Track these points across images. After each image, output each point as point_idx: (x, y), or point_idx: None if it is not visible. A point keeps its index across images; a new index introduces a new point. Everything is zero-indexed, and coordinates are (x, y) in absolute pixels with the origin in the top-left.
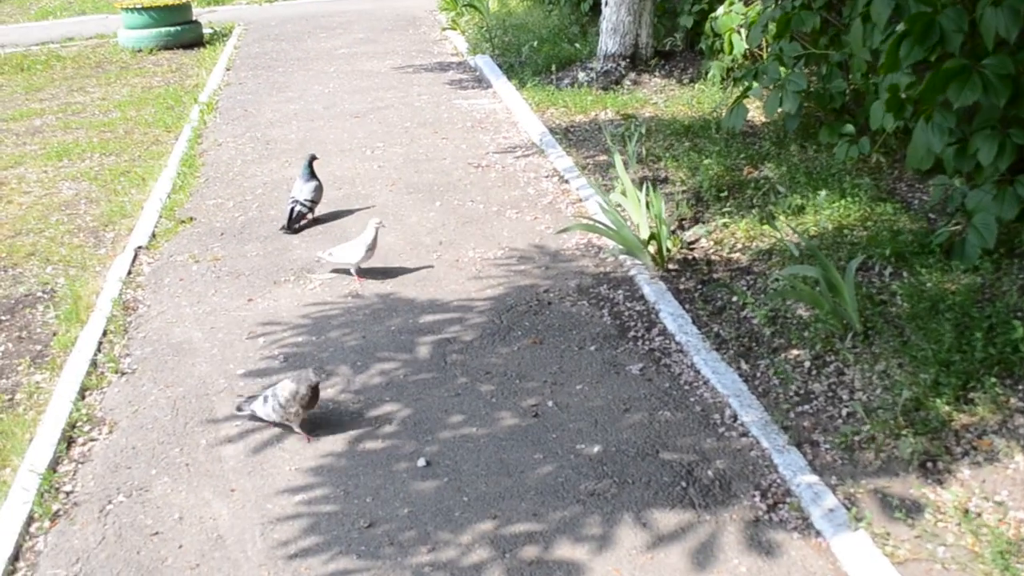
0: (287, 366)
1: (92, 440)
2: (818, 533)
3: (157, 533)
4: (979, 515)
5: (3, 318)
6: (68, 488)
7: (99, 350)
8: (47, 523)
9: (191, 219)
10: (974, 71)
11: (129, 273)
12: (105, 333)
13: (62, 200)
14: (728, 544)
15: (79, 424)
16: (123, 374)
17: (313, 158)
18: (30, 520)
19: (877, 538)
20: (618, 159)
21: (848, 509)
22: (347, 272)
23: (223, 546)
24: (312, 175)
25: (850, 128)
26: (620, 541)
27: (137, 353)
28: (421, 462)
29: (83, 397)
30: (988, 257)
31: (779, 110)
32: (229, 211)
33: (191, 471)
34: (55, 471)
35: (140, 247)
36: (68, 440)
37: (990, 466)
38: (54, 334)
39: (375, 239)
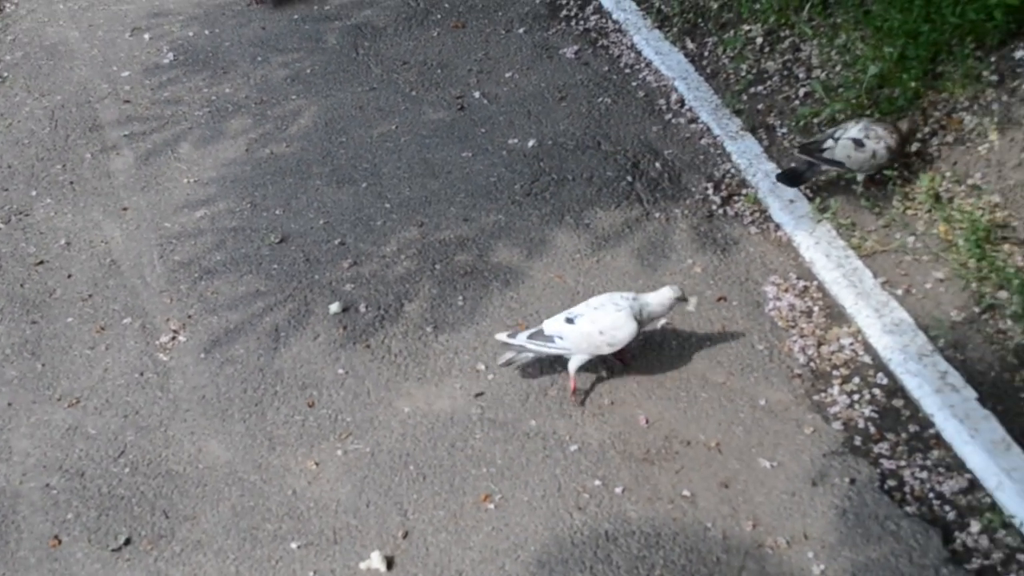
0: (177, 63)
1: None
2: (777, 226)
3: (42, 262)
4: (951, 200)
5: None
6: None
7: None
8: None
9: None
10: None
11: None
12: None
13: None
14: (680, 242)
15: None
16: None
17: None
18: None
19: (842, 229)
20: None
21: (810, 199)
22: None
23: (118, 272)
24: None
25: None
26: (561, 245)
27: (7, 59)
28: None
29: None
30: None
31: None
32: None
33: (76, 190)
34: None
35: None
36: None
37: (961, 147)
38: None
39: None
